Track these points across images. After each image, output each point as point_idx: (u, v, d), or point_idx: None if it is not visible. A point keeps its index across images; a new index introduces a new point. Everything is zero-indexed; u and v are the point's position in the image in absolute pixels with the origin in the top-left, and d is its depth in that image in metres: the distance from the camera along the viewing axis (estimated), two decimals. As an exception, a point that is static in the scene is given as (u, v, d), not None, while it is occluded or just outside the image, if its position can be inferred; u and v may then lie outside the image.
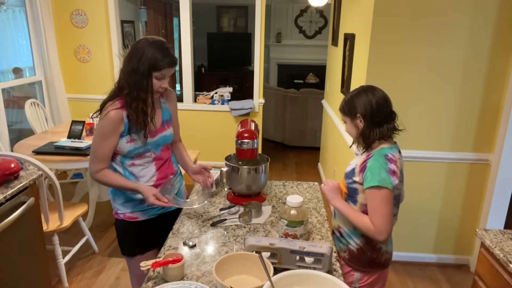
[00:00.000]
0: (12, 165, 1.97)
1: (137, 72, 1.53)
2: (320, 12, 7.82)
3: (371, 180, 1.44)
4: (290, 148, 5.79)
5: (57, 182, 2.41)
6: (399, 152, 1.58)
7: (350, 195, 1.59)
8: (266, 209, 1.81)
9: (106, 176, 1.65)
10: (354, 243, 1.60)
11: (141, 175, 1.69)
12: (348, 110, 1.57)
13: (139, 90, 1.55)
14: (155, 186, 1.70)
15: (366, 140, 1.55)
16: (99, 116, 1.62)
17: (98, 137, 1.60)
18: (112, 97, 1.60)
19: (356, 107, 1.53)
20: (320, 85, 6.36)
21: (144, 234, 1.76)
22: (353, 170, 1.57)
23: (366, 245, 1.58)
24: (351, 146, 1.74)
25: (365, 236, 1.55)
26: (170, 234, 1.59)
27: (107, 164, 1.65)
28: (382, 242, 1.52)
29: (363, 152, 1.59)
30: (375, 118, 1.51)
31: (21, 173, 2.09)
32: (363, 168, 1.51)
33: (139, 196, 1.68)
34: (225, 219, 1.70)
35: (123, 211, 1.74)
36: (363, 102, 1.52)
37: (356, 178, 1.54)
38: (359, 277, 1.63)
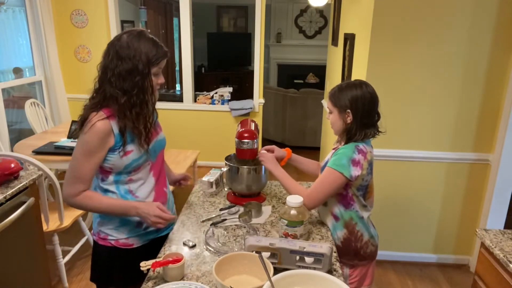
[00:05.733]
0: (12, 165, 1.97)
1: (134, 72, 1.33)
2: (320, 12, 7.82)
3: (332, 163, 1.54)
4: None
5: (57, 182, 2.41)
6: (371, 147, 1.64)
7: None
8: (266, 209, 1.81)
9: (91, 198, 1.40)
10: (337, 236, 1.64)
11: (139, 190, 1.50)
12: (338, 101, 1.57)
13: (140, 92, 1.36)
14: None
15: (348, 137, 1.59)
16: (80, 131, 1.37)
17: (81, 154, 1.36)
18: (95, 108, 1.38)
19: (346, 101, 1.54)
20: (320, 85, 6.36)
21: (138, 263, 1.31)
22: (328, 160, 1.64)
23: (348, 235, 1.62)
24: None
25: (346, 227, 1.61)
26: (170, 234, 1.58)
27: (89, 185, 1.41)
28: (308, 209, 1.56)
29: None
30: (363, 120, 1.55)
31: (21, 173, 2.09)
32: (334, 154, 1.59)
33: (136, 217, 1.47)
34: (225, 219, 1.69)
35: (116, 237, 1.51)
36: (355, 97, 1.53)
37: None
38: (349, 273, 1.67)
